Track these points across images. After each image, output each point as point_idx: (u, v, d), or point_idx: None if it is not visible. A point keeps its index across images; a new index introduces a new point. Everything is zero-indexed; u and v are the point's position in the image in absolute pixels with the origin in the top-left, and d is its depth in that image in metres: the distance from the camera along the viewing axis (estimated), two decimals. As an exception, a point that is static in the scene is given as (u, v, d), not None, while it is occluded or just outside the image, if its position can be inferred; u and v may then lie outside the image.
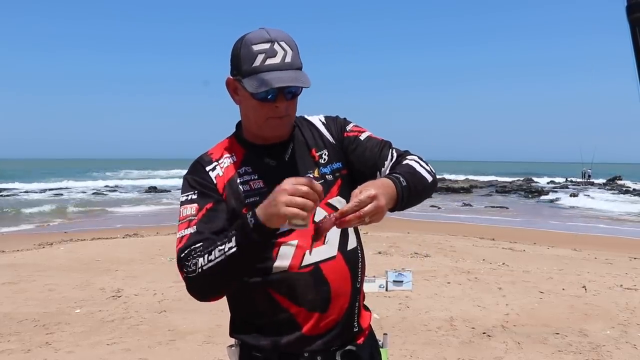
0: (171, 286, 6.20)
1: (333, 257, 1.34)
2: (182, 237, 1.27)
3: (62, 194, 27.51)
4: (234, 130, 1.44)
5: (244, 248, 1.16)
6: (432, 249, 9.44)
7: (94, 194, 28.59)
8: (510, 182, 40.62)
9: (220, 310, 5.28)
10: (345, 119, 1.49)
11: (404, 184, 1.23)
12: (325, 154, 1.40)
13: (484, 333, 4.60)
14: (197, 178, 1.34)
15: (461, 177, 44.67)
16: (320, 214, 1.32)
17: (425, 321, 4.90)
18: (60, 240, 10.73)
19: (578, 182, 42.45)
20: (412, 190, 1.26)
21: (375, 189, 1.13)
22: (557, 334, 4.59)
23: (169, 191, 30.67)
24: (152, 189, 31.39)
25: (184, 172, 1.41)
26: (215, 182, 1.33)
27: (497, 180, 42.75)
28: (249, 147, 1.38)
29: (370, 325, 1.49)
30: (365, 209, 1.10)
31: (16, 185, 32.58)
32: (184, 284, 1.26)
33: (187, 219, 1.29)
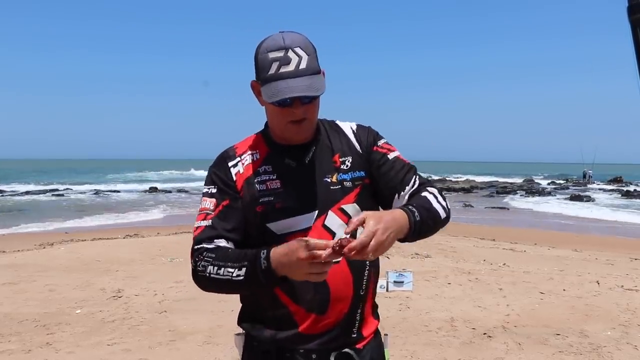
0: (171, 286, 6.19)
1: (337, 262, 1.33)
2: (198, 227, 1.36)
3: (62, 194, 27.51)
4: (263, 127, 1.47)
5: (250, 282, 1.24)
6: (433, 249, 9.44)
7: (94, 194, 28.62)
8: (511, 183, 40.62)
9: (220, 310, 5.28)
10: (377, 133, 1.50)
11: (418, 218, 1.26)
12: (348, 161, 1.42)
13: (484, 334, 4.59)
14: (219, 173, 1.40)
15: (462, 178, 44.70)
16: (331, 218, 1.36)
17: (425, 322, 4.90)
18: (61, 240, 10.72)
19: (579, 183, 42.43)
20: (424, 225, 1.29)
21: (385, 226, 1.15)
22: (558, 334, 4.59)
23: (170, 192, 30.70)
24: (153, 190, 31.42)
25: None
26: (235, 179, 1.39)
27: (497, 181, 42.76)
28: (273, 146, 1.42)
29: (375, 333, 1.48)
30: (368, 248, 1.12)
31: (16, 185, 32.58)
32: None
33: (205, 211, 1.37)
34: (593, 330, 4.71)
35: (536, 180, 44.19)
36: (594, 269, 7.84)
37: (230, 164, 1.41)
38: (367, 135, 1.47)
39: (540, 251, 9.98)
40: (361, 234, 1.13)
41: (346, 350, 1.38)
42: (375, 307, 1.50)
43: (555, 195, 30.09)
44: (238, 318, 1.48)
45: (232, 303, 5.49)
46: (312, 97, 1.29)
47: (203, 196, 1.41)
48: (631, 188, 34.98)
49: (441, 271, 7.28)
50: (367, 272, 1.41)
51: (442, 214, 1.35)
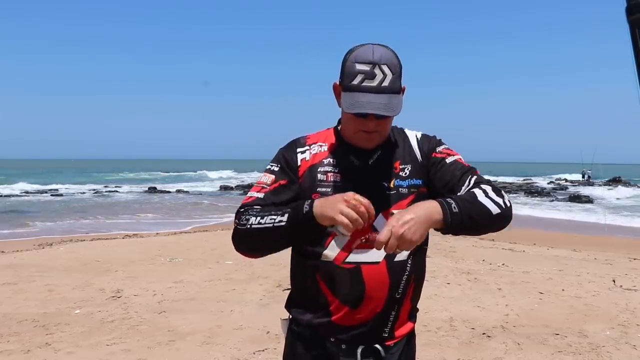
0: (171, 287, 6.19)
1: (376, 263, 1.41)
2: (251, 196, 1.44)
3: (61, 194, 27.46)
4: (336, 123, 1.54)
5: (291, 227, 1.29)
6: (432, 249, 9.41)
7: (94, 194, 28.58)
8: (510, 183, 40.67)
9: (220, 310, 5.29)
10: (440, 140, 1.53)
11: (455, 210, 1.26)
12: (407, 169, 1.47)
13: (483, 334, 4.60)
14: (286, 155, 1.49)
15: (461, 178, 44.58)
16: (380, 220, 1.38)
17: (425, 322, 4.89)
18: (60, 240, 10.71)
19: (578, 183, 42.45)
20: (465, 218, 1.26)
21: (405, 216, 1.22)
22: (557, 334, 4.59)
23: (170, 192, 30.66)
24: (152, 189, 31.39)
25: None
26: (299, 164, 1.47)
27: (496, 181, 42.80)
28: (341, 143, 1.49)
29: (408, 335, 1.52)
30: (389, 244, 1.20)
31: (16, 185, 32.51)
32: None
33: (262, 184, 1.46)
34: (592, 330, 4.72)
35: (535, 181, 44.23)
36: (593, 269, 7.85)
37: (298, 150, 1.49)
38: (429, 143, 1.51)
39: (540, 251, 9.98)
40: (382, 229, 1.21)
41: (376, 346, 1.44)
42: (414, 310, 1.54)
43: (554, 196, 30.09)
44: (285, 303, 1.58)
45: (232, 303, 5.51)
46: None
47: (265, 170, 1.49)
48: (630, 188, 34.97)
49: (440, 271, 7.29)
50: (406, 276, 1.45)
51: (494, 209, 1.30)
